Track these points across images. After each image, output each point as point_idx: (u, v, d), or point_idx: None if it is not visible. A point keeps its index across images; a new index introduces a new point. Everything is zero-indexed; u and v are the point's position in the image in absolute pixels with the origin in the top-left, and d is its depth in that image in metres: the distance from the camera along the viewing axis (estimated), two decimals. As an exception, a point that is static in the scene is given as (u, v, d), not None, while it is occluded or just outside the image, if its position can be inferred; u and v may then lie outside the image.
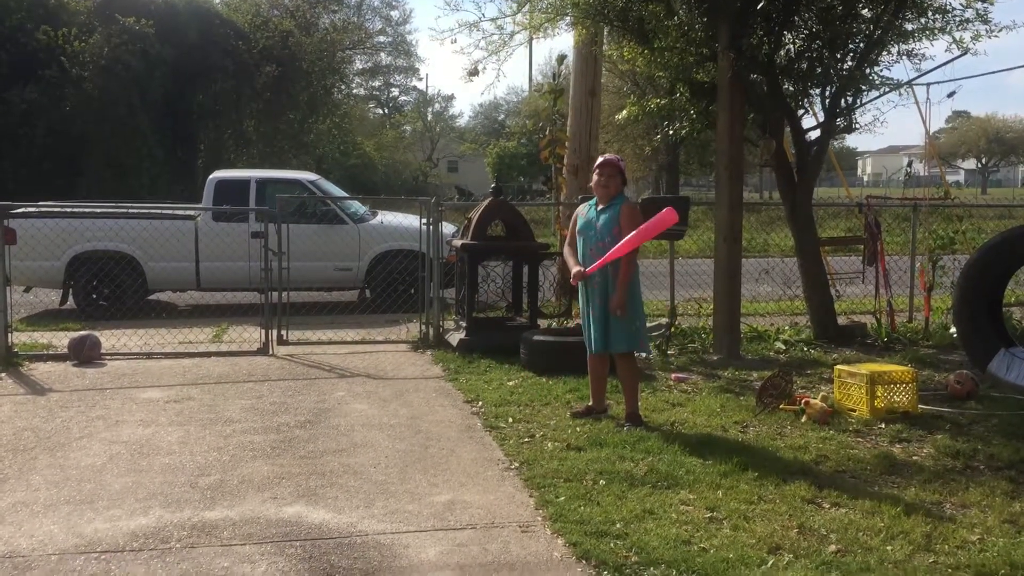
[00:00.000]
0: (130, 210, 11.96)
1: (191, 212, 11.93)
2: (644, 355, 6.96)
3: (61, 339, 9.10)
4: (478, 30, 10.00)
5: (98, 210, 11.86)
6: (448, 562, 4.03)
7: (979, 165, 70.78)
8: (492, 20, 9.93)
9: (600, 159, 6.45)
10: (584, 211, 6.45)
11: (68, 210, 11.79)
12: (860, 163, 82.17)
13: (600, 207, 6.29)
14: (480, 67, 10.58)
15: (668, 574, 3.84)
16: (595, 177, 6.33)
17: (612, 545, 4.15)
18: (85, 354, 8.41)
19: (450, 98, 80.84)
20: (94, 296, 11.40)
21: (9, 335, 8.47)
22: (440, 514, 4.61)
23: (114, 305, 10.90)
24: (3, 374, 7.90)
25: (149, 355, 8.74)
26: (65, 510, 4.66)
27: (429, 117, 61.92)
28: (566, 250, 6.58)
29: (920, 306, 10.41)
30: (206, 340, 9.55)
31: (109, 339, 8.89)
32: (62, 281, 11.36)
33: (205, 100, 26.35)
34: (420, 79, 68.37)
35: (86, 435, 6.04)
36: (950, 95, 11.28)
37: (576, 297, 7.25)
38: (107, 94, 23.57)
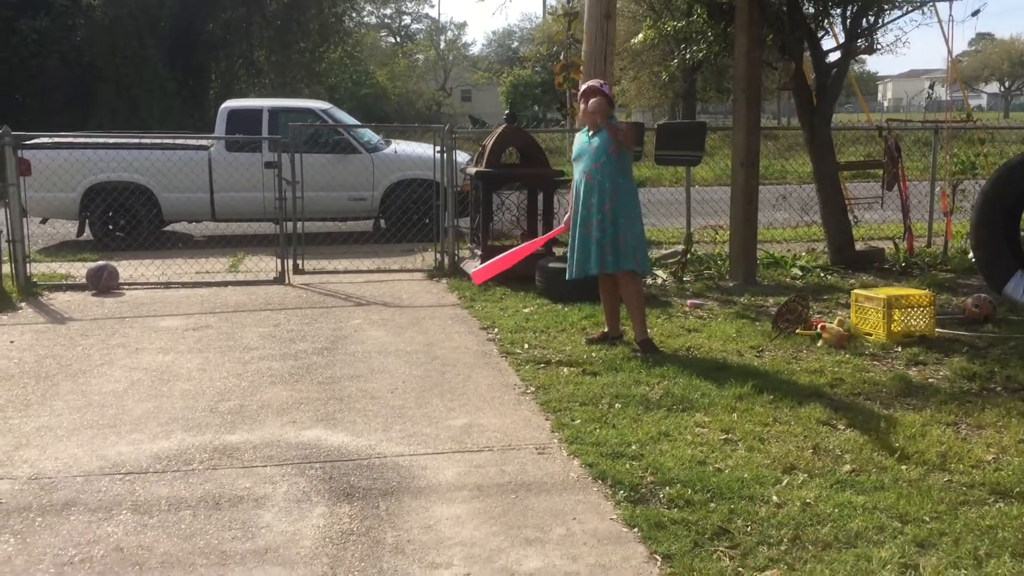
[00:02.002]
0: (144, 141, 11.91)
1: (204, 142, 11.88)
2: (644, 275, 6.89)
3: (79, 269, 9.17)
4: (491, -51, 9.76)
5: (111, 141, 11.82)
6: (466, 483, 4.09)
7: (1002, 89, 69.42)
8: (505, -60, 9.67)
9: (582, 86, 6.39)
10: (578, 139, 6.44)
11: (82, 141, 11.74)
12: (880, 88, 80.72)
13: (591, 133, 6.25)
14: (492, -12, 10.35)
15: (683, 493, 3.88)
16: (581, 105, 6.30)
17: (628, 466, 4.19)
18: (103, 284, 8.47)
19: (463, 26, 79.69)
20: (110, 227, 11.44)
21: (28, 266, 8.52)
22: (457, 437, 4.66)
23: (130, 236, 10.94)
24: (23, 304, 7.98)
25: (167, 285, 8.79)
26: (88, 434, 4.74)
27: (442, 45, 61.07)
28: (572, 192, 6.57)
29: (939, 231, 10.32)
30: (223, 270, 9.60)
31: (126, 269, 8.94)
32: (78, 212, 11.38)
33: (215, 29, 26.04)
34: (432, 6, 67.50)
35: (107, 362, 6.11)
36: (975, 13, 10.96)
37: None
38: (117, 23, 23.32)
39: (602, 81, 6.45)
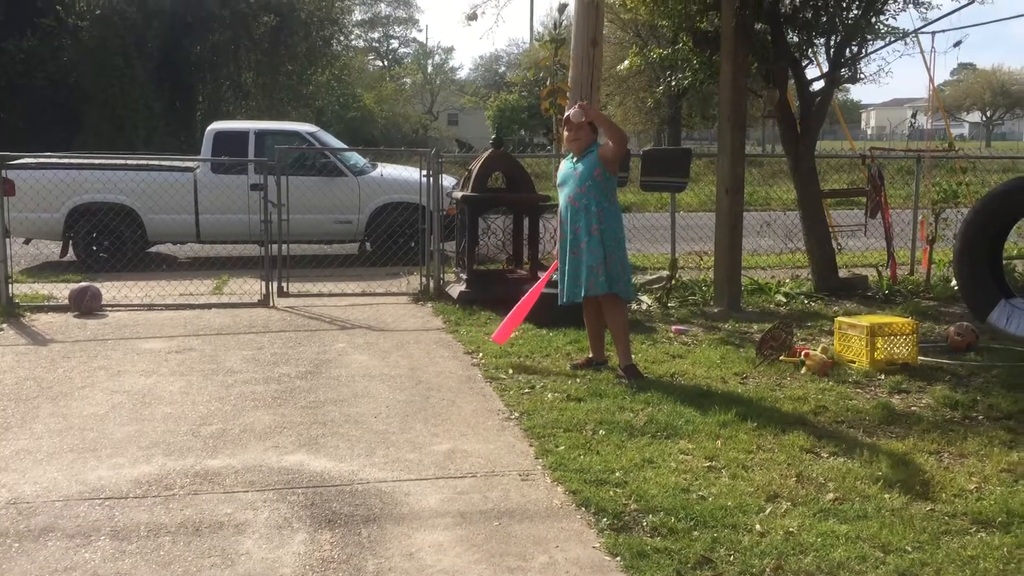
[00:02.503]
0: (129, 162, 11.88)
1: (190, 164, 11.86)
2: (628, 301, 6.93)
3: (62, 290, 9.10)
4: (478, -26, 9.83)
5: (97, 162, 11.79)
6: (449, 509, 4.07)
7: (983, 118, 70.20)
8: (493, -34, 9.76)
9: (566, 113, 6.45)
10: (563, 166, 6.49)
11: (67, 161, 11.70)
12: (864, 116, 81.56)
13: (576, 159, 6.29)
14: (479, 11, 10.44)
15: (667, 521, 3.87)
16: (565, 133, 6.35)
17: (611, 493, 4.18)
18: (86, 305, 8.42)
19: (450, 50, 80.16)
20: (94, 248, 11.38)
21: (10, 286, 8.47)
22: (440, 463, 4.64)
23: (114, 257, 10.89)
24: (4, 325, 7.91)
25: (150, 307, 8.74)
26: (68, 458, 4.69)
27: (429, 69, 61.33)
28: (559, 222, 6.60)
29: (922, 259, 10.39)
30: (207, 292, 9.55)
31: (110, 291, 8.89)
32: (62, 233, 11.33)
33: (203, 51, 26.08)
34: (420, 30, 67.84)
35: (88, 385, 6.06)
36: (956, 44, 11.15)
37: None
38: (104, 44, 23.33)
39: (583, 106, 6.47)
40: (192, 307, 8.77)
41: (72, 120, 23.33)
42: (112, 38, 23.37)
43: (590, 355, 6.51)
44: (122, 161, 11.87)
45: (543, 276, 6.86)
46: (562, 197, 6.35)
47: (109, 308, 8.63)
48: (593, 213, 6.13)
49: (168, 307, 8.76)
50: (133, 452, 4.78)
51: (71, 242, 11.43)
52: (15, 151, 10.25)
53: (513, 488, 4.31)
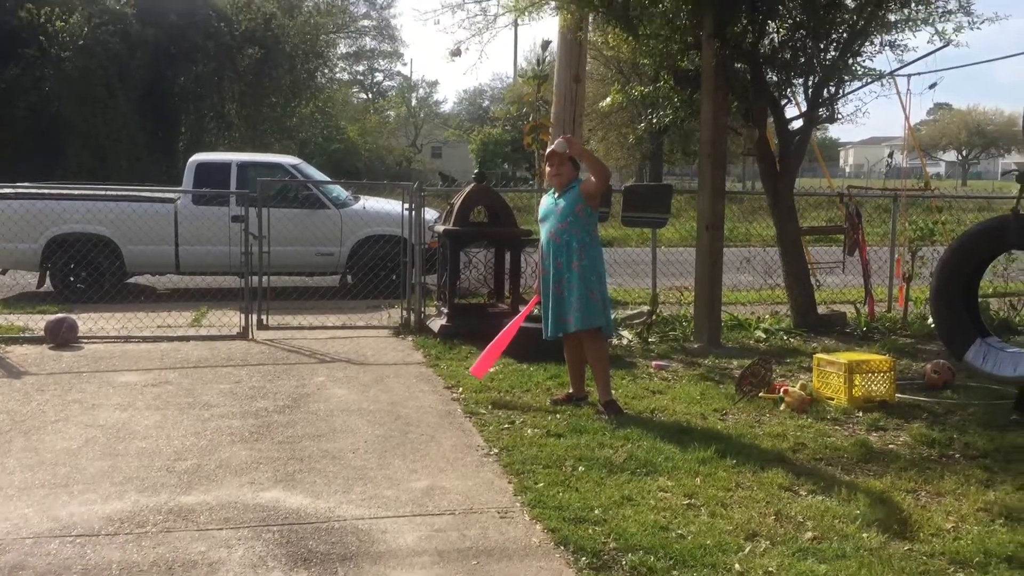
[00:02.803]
0: (108, 192, 11.83)
1: (171, 195, 11.83)
2: (608, 336, 6.96)
3: (38, 322, 9.02)
4: (462, 10, 9.94)
5: (76, 192, 11.73)
6: (426, 548, 4.03)
7: (959, 157, 71.26)
8: (476, 2, 9.87)
9: (547, 149, 6.49)
10: (544, 201, 6.52)
11: (46, 191, 11.64)
12: (842, 154, 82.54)
13: (557, 195, 6.32)
14: (463, 47, 10.50)
15: (646, 560, 3.85)
16: (547, 168, 6.39)
17: (591, 531, 4.15)
18: (62, 337, 8.34)
19: (434, 84, 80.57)
20: (72, 279, 11.29)
21: (-15, 317, 8.38)
22: (418, 500, 4.60)
23: (92, 288, 10.81)
24: (-22, 356, 7.82)
25: (127, 339, 8.67)
26: (40, 493, 4.62)
27: (413, 102, 61.63)
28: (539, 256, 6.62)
29: (899, 296, 10.47)
30: (185, 324, 9.49)
31: (86, 322, 8.81)
32: (39, 263, 11.24)
33: (186, 82, 26.13)
34: (404, 64, 68.28)
35: (62, 418, 5.99)
36: (932, 86, 11.37)
37: None
38: (87, 74, 23.34)
39: (568, 139, 6.52)
40: (170, 339, 8.71)
41: (53, 150, 23.26)
42: (95, 68, 23.38)
43: (570, 390, 6.51)
44: (102, 192, 11.82)
45: (523, 310, 6.85)
46: (543, 232, 6.37)
47: (85, 340, 8.55)
48: (574, 249, 6.15)
49: (145, 339, 8.69)
50: (106, 488, 4.71)
51: (48, 273, 11.33)
52: (-6, 181, 10.20)
53: (492, 526, 4.28)
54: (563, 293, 6.20)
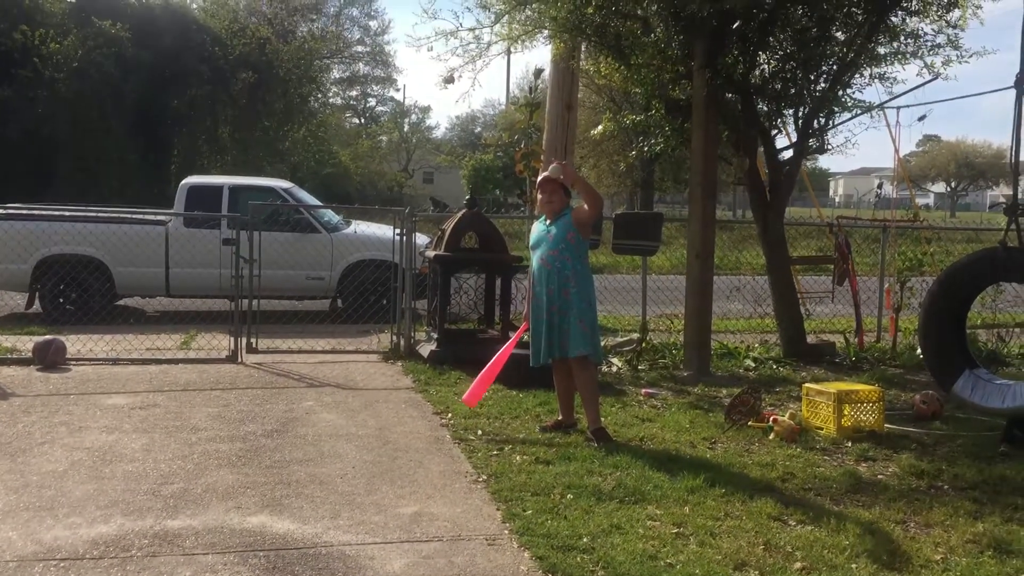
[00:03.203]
0: (100, 214, 11.82)
1: (162, 217, 11.82)
2: (597, 364, 6.98)
3: (26, 343, 8.97)
4: (455, 38, 9.99)
5: (67, 213, 11.71)
6: (413, 574, 4.00)
7: (948, 189, 71.81)
8: (470, 30, 9.93)
9: (540, 176, 6.50)
10: (536, 228, 6.54)
11: (36, 212, 11.62)
12: (832, 184, 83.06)
13: (549, 222, 6.35)
14: (456, 75, 10.56)
15: (634, 589, 3.83)
16: (538, 196, 6.42)
17: (579, 559, 4.14)
18: (50, 359, 8.29)
19: (427, 109, 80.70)
20: (61, 300, 11.24)
21: (-28, 338, 8.33)
22: (406, 526, 4.58)
23: (81, 310, 10.76)
24: (-35, 377, 7.77)
25: (115, 361, 8.62)
26: (24, 516, 4.58)
27: (405, 128, 61.86)
28: (529, 283, 6.63)
29: (888, 326, 10.52)
30: (174, 347, 9.45)
31: (75, 344, 8.76)
32: (28, 284, 11.19)
33: (180, 105, 26.13)
34: (397, 89, 68.49)
35: (48, 441, 5.94)
36: (921, 119, 11.46)
37: None
38: (80, 97, 23.35)
39: (563, 165, 6.53)
40: (158, 362, 8.67)
41: (45, 171, 23.21)
42: (89, 91, 23.40)
43: (559, 417, 6.50)
44: (92, 213, 11.81)
45: (513, 337, 6.84)
46: (535, 259, 6.39)
47: (73, 362, 8.50)
48: (566, 276, 6.18)
49: (134, 362, 8.65)
50: (91, 511, 4.67)
51: (37, 294, 11.29)
52: (-15, 201, 10.18)
53: (479, 553, 4.26)
54: (553, 320, 6.21)
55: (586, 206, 6.24)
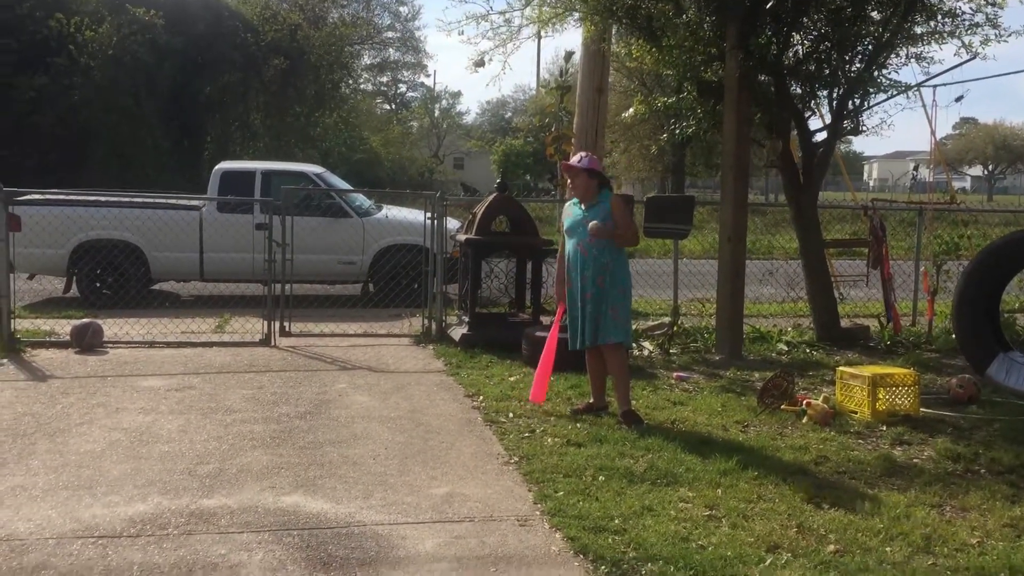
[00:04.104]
0: (135, 199, 11.96)
1: (196, 202, 11.93)
2: (628, 349, 6.93)
3: (64, 326, 9.11)
4: (486, 21, 9.97)
5: (103, 199, 11.86)
6: (445, 554, 4.03)
7: (985, 172, 70.63)
8: (500, 13, 9.90)
9: (572, 158, 6.40)
10: (570, 210, 6.44)
11: (73, 198, 11.78)
12: (866, 168, 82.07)
13: (585, 207, 6.27)
14: (487, 58, 10.54)
15: (666, 570, 3.83)
16: (570, 181, 6.34)
17: (610, 540, 4.14)
18: (87, 342, 8.42)
19: (457, 95, 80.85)
20: (98, 284, 11.41)
21: (12, 322, 8.47)
22: (438, 506, 4.61)
23: (117, 294, 10.91)
24: (5, 360, 7.91)
25: (151, 344, 8.74)
26: (63, 495, 4.66)
27: (436, 113, 61.91)
28: (558, 264, 6.56)
29: (924, 310, 10.39)
30: (208, 330, 9.55)
31: (112, 327, 8.89)
32: (66, 269, 11.37)
33: (212, 92, 26.39)
34: (428, 75, 68.41)
35: (86, 421, 6.04)
36: (958, 99, 11.26)
37: None
38: (115, 84, 23.64)
39: (589, 157, 6.44)
40: (193, 345, 8.77)
41: (80, 157, 23.54)
42: (123, 78, 23.67)
43: (591, 400, 6.49)
44: (128, 199, 11.95)
45: (554, 323, 6.72)
46: (570, 243, 6.34)
47: (110, 345, 8.63)
48: (602, 264, 6.14)
49: (169, 345, 8.76)
50: (129, 490, 4.75)
51: (75, 278, 11.46)
52: (22, 187, 10.32)
53: (511, 533, 4.27)
54: (586, 308, 6.20)
55: (620, 234, 6.16)
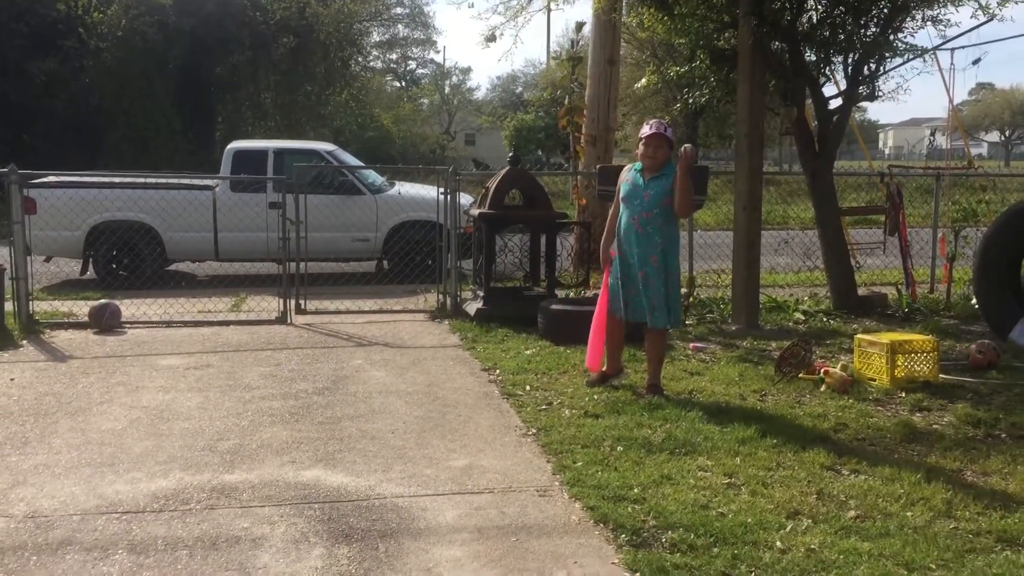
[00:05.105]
0: (148, 180, 11.97)
1: (209, 182, 11.95)
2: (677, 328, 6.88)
3: (81, 308, 9.16)
4: (497, -6, 9.89)
5: (117, 180, 11.89)
6: (466, 524, 4.04)
7: (1002, 138, 69.88)
8: (510, -14, 9.81)
9: (645, 131, 6.10)
10: (630, 177, 6.21)
11: (87, 180, 11.81)
12: (882, 136, 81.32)
13: (647, 178, 6.09)
14: (498, 32, 10.48)
15: (686, 537, 3.83)
16: (641, 148, 6.10)
17: (630, 509, 4.14)
18: (105, 322, 8.47)
19: (467, 71, 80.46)
20: (114, 266, 11.46)
21: (30, 303, 8.53)
22: (457, 478, 4.62)
23: (133, 275, 10.96)
24: (24, 342, 7.97)
25: (168, 324, 8.78)
26: (86, 472, 4.70)
27: (446, 90, 61.64)
28: (607, 228, 6.39)
29: (941, 277, 10.32)
30: (225, 309, 9.59)
31: (129, 308, 8.93)
32: (82, 251, 11.42)
33: (223, 71, 26.35)
34: (437, 51, 68.12)
35: (106, 400, 6.09)
36: (975, 62, 11.08)
37: (598, 266, 7.09)
38: (125, 65, 23.64)
39: (665, 124, 6.22)
40: (210, 324, 8.80)
41: (93, 140, 23.61)
42: (133, 59, 23.67)
43: (604, 369, 6.44)
44: (142, 180, 11.97)
45: (603, 290, 6.43)
46: (624, 214, 6.14)
47: (128, 325, 8.67)
48: (657, 243, 6.02)
49: (186, 324, 8.80)
50: (150, 467, 4.79)
51: (91, 260, 11.51)
52: (37, 170, 10.36)
53: (531, 504, 4.28)
54: (635, 284, 6.09)
55: (676, 204, 6.01)
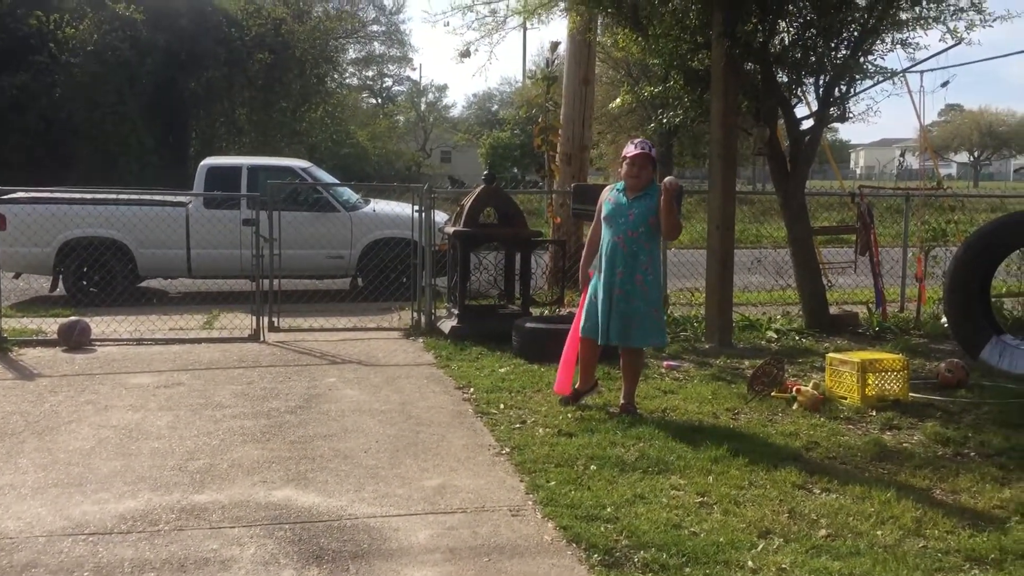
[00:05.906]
0: (120, 196, 11.88)
1: (182, 199, 11.87)
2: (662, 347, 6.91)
3: (51, 325, 9.05)
4: (472, 12, 9.95)
5: (88, 196, 11.78)
6: (438, 545, 4.02)
7: (971, 158, 70.94)
8: (486, 3, 9.88)
9: (630, 151, 6.11)
10: (612, 197, 6.21)
11: (58, 196, 11.69)
12: (853, 156, 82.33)
13: (631, 197, 6.09)
14: (472, 48, 10.52)
15: (658, 557, 3.83)
16: (625, 167, 6.11)
17: (603, 529, 4.14)
18: (75, 340, 8.37)
19: (443, 88, 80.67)
20: (84, 283, 11.34)
21: (-2, 320, 8.42)
22: (430, 498, 4.60)
23: (104, 292, 10.85)
24: (-8, 359, 7.86)
25: (139, 341, 8.69)
26: (53, 493, 4.63)
27: (422, 107, 61.72)
28: (587, 248, 6.43)
29: (912, 296, 10.43)
30: (197, 327, 9.51)
31: (99, 325, 8.84)
32: (52, 267, 11.29)
33: (197, 87, 26.22)
34: (413, 69, 68.22)
35: (75, 419, 6.01)
36: (944, 84, 11.29)
37: (577, 286, 7.10)
38: (97, 81, 23.48)
39: (649, 144, 6.25)
40: (182, 342, 8.72)
41: (64, 155, 23.41)
42: (105, 74, 23.52)
43: (576, 386, 6.42)
44: (113, 196, 11.87)
45: (578, 311, 6.45)
46: (607, 233, 6.13)
47: (98, 343, 8.58)
48: (640, 262, 6.02)
49: (157, 342, 8.71)
50: (119, 487, 4.72)
51: (61, 276, 11.38)
52: (7, 186, 10.25)
53: (503, 523, 4.27)
54: (616, 305, 6.05)
55: (664, 227, 6.01)
